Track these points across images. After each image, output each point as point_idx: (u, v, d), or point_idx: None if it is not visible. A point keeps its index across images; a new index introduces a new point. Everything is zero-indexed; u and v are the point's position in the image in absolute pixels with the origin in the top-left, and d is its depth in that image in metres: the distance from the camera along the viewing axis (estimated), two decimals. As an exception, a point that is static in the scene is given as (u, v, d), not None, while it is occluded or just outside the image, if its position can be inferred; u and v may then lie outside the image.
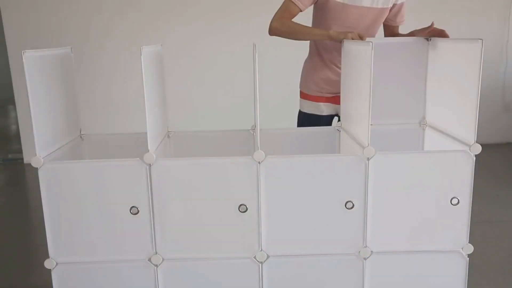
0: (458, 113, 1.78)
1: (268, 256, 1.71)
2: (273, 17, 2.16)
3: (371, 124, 1.63)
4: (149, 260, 1.70)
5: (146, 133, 1.61)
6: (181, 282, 1.74)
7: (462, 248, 1.73)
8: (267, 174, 1.64)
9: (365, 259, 1.73)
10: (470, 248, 1.73)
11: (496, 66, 4.84)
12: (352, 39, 1.96)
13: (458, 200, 1.67)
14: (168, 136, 2.10)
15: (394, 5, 2.26)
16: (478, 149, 1.65)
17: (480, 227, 2.89)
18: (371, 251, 1.72)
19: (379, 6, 2.19)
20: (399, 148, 2.06)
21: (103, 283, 1.73)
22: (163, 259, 1.70)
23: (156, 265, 1.71)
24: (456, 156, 1.67)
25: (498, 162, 4.40)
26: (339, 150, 2.10)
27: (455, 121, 1.82)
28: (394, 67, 2.10)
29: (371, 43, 1.56)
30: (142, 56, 1.57)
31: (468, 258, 1.74)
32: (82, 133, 2.03)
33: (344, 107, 2.07)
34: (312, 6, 2.23)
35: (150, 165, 1.62)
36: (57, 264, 1.70)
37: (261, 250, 1.71)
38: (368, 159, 1.64)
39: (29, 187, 4.20)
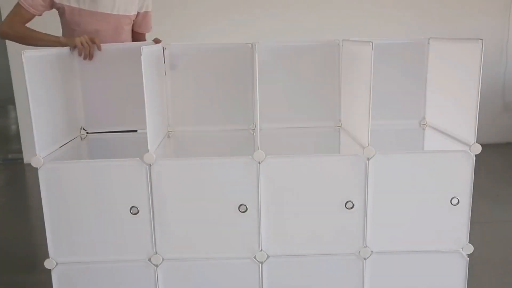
0: (458, 113, 1.78)
1: (268, 256, 1.71)
2: (3, 20, 2.17)
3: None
4: (149, 260, 1.70)
5: (146, 133, 1.62)
6: (181, 282, 1.74)
7: (462, 248, 1.73)
8: (267, 174, 1.64)
9: (365, 259, 1.72)
10: (470, 248, 1.73)
11: (496, 66, 4.83)
12: (81, 43, 1.97)
13: (458, 200, 1.67)
14: (168, 136, 2.10)
15: (138, 13, 2.32)
16: (478, 149, 1.65)
17: (480, 227, 2.89)
18: (371, 251, 1.72)
19: (120, 13, 2.23)
20: (399, 148, 2.06)
21: (103, 283, 1.73)
22: (163, 259, 1.70)
23: (156, 265, 1.71)
24: (456, 156, 1.67)
25: (498, 162, 4.39)
26: (339, 150, 2.10)
27: (455, 121, 1.82)
28: (394, 67, 2.10)
29: (371, 43, 1.55)
30: (142, 56, 1.57)
31: (468, 258, 1.74)
32: (82, 133, 2.03)
33: (344, 107, 2.07)
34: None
35: (150, 165, 1.62)
36: (57, 264, 1.70)
37: (261, 250, 1.70)
38: (368, 159, 1.64)
39: (29, 187, 4.19)
